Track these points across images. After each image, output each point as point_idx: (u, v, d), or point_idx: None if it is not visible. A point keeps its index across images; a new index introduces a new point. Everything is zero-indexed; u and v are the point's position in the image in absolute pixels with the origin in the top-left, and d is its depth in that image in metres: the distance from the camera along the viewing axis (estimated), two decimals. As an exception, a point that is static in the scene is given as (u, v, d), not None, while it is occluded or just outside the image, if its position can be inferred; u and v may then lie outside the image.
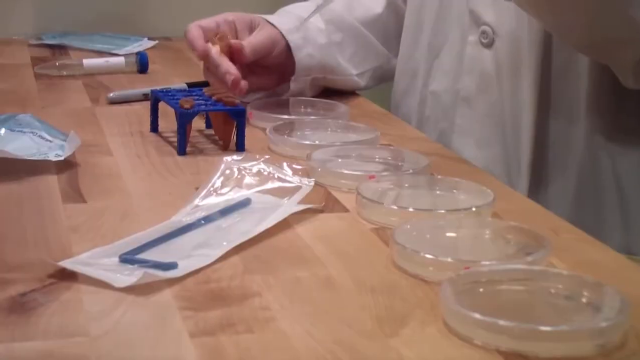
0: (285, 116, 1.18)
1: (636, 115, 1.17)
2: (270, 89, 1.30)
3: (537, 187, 1.18)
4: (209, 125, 1.15)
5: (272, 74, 1.29)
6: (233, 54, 1.21)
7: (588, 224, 1.11)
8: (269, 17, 1.29)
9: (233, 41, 1.21)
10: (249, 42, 1.23)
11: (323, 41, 1.30)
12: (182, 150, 1.06)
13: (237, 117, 1.07)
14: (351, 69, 1.35)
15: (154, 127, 1.15)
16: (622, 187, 1.17)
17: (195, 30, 1.23)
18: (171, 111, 1.10)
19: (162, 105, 1.14)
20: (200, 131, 1.15)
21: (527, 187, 1.17)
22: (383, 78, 1.41)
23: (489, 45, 1.21)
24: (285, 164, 0.95)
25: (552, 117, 1.18)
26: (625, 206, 1.17)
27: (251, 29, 1.27)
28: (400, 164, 1.03)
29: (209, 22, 1.25)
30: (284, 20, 1.29)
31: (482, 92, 1.22)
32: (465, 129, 1.24)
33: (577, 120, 1.16)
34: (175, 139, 1.09)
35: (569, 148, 1.17)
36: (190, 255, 0.77)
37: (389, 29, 1.39)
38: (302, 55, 1.27)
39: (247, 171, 0.93)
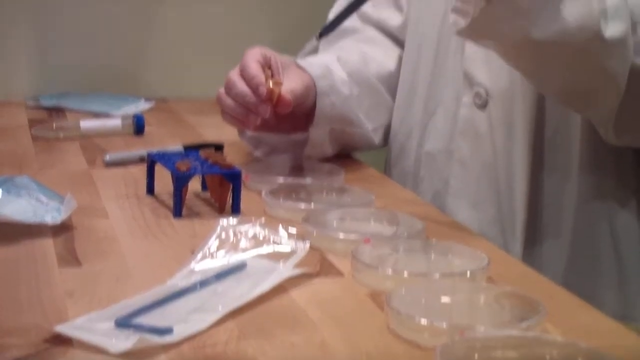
0: (281, 179, 1.19)
1: (631, 175, 1.18)
2: (283, 132, 1.29)
3: (532, 248, 1.19)
4: (205, 187, 1.15)
5: (291, 119, 1.27)
6: (278, 102, 1.19)
7: (584, 285, 1.12)
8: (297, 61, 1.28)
9: (284, 92, 1.18)
10: (292, 92, 1.20)
11: (346, 92, 1.30)
12: (178, 213, 1.06)
13: (233, 179, 1.08)
14: (367, 124, 1.35)
15: (150, 189, 1.16)
16: (618, 249, 1.17)
17: (254, 56, 1.21)
18: (167, 173, 1.10)
19: (158, 167, 1.15)
20: (196, 194, 1.15)
21: (522, 248, 1.18)
22: None
23: (482, 106, 1.22)
24: (280, 228, 0.95)
25: (546, 178, 1.19)
26: (622, 268, 1.18)
27: (282, 68, 1.24)
28: (395, 227, 1.03)
29: (261, 55, 1.22)
30: (312, 64, 1.28)
31: (476, 153, 1.23)
32: (459, 189, 1.25)
33: (572, 180, 1.17)
34: (171, 201, 1.09)
35: (563, 208, 1.18)
36: (186, 319, 0.77)
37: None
38: (326, 103, 1.26)
39: (243, 234, 0.94)
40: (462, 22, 1.02)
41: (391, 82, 1.39)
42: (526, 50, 1.03)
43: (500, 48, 1.06)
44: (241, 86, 1.19)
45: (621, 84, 1.04)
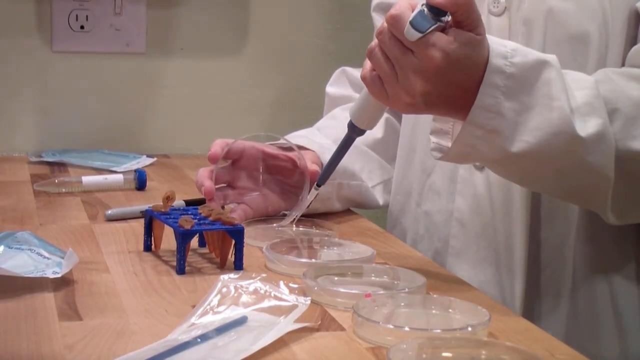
0: (282, 234, 1.19)
1: (631, 235, 1.18)
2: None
3: (532, 308, 1.18)
4: (202, 243, 1.15)
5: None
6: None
7: (584, 345, 1.11)
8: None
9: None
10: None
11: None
12: (181, 270, 1.06)
13: (236, 236, 1.08)
14: (366, 181, 1.36)
15: (147, 247, 1.15)
16: (618, 309, 1.16)
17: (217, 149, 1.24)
18: (167, 229, 1.11)
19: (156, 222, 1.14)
20: (193, 249, 1.15)
21: (522, 307, 1.17)
22: None
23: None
24: (281, 283, 0.95)
25: (545, 239, 1.18)
26: (622, 327, 1.17)
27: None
28: (396, 282, 1.03)
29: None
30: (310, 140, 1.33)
31: (475, 213, 1.22)
32: (459, 249, 1.24)
33: (570, 241, 1.17)
34: (171, 256, 1.09)
35: (562, 269, 1.18)
36: (186, 374, 0.77)
37: (391, 149, 1.40)
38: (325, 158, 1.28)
39: (244, 289, 0.94)
40: (444, 145, 1.04)
41: (381, 148, 1.40)
42: (509, 164, 1.04)
43: (485, 164, 1.10)
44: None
45: (609, 174, 1.04)
